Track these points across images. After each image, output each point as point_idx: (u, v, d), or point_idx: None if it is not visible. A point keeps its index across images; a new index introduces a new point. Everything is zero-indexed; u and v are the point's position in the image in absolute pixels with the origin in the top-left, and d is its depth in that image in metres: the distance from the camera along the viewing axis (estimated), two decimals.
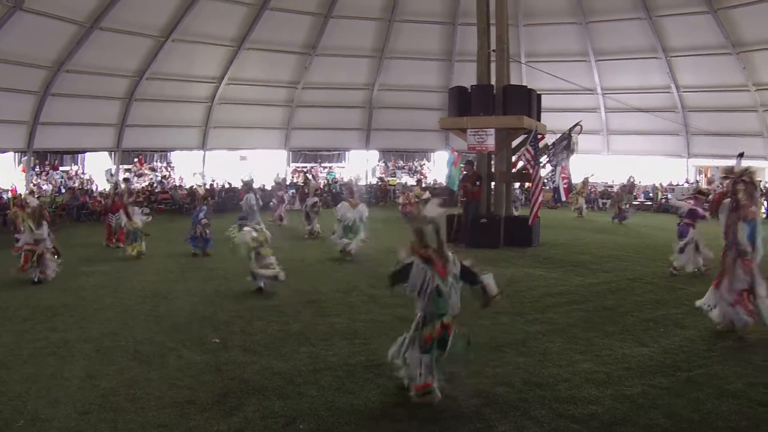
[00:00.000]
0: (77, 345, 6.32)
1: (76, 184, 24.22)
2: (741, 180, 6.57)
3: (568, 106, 24.24)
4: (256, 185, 18.00)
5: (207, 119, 25.44)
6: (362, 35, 25.26)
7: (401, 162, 33.41)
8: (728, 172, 6.73)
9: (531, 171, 13.45)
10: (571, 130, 13.88)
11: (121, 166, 25.01)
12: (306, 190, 17.05)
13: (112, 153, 24.34)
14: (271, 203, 18.73)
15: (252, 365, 5.69)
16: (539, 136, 13.90)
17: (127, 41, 20.90)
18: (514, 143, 14.51)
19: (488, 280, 5.03)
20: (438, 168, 30.40)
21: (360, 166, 29.94)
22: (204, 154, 26.52)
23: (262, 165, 27.30)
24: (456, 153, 15.10)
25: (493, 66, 14.63)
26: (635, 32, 23.73)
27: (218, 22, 22.32)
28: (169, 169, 29.33)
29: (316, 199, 16.14)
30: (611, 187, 25.94)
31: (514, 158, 14.56)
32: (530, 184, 14.49)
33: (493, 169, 14.38)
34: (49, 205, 17.11)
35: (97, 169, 26.22)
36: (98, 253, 12.94)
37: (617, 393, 4.98)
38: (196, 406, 4.75)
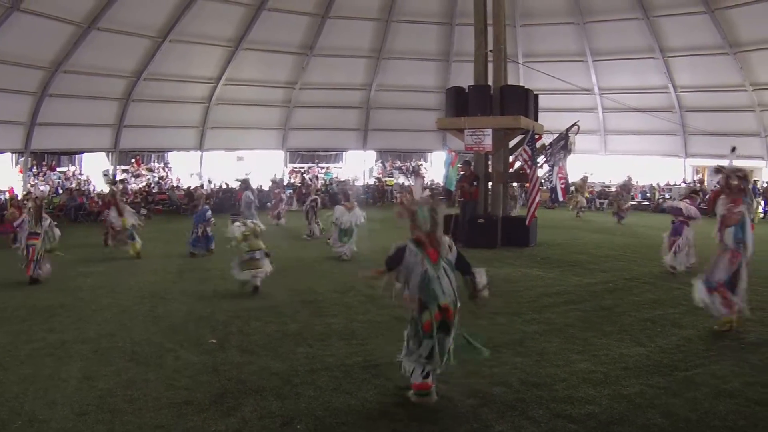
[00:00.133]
0: (75, 346, 6.31)
1: (74, 185, 24.13)
2: (735, 175, 6.69)
3: (566, 106, 24.30)
4: (253, 185, 17.99)
5: (204, 120, 25.41)
6: (360, 36, 25.26)
7: (399, 162, 33.40)
8: (720, 168, 6.89)
9: (528, 171, 13.48)
10: (568, 130, 13.89)
11: (118, 167, 24.98)
12: (304, 191, 17.06)
13: (110, 154, 24.33)
14: (268, 203, 18.71)
15: (249, 366, 5.68)
16: (536, 137, 13.93)
17: (125, 42, 20.90)
18: (512, 143, 14.51)
19: (479, 272, 5.08)
20: (435, 168, 30.41)
21: (357, 167, 29.93)
22: (201, 155, 26.50)
23: (259, 165, 27.19)
24: (453, 153, 15.11)
25: (490, 66, 14.63)
26: (632, 32, 23.75)
27: (215, 22, 22.31)
28: (166, 169, 29.28)
29: (315, 196, 16.16)
30: (608, 187, 25.95)
31: (511, 158, 14.59)
32: (528, 185, 14.52)
33: (490, 170, 14.40)
34: (46, 206, 17.04)
35: (95, 170, 26.14)
36: (96, 254, 12.92)
37: (614, 393, 4.98)
38: (193, 407, 4.75)
